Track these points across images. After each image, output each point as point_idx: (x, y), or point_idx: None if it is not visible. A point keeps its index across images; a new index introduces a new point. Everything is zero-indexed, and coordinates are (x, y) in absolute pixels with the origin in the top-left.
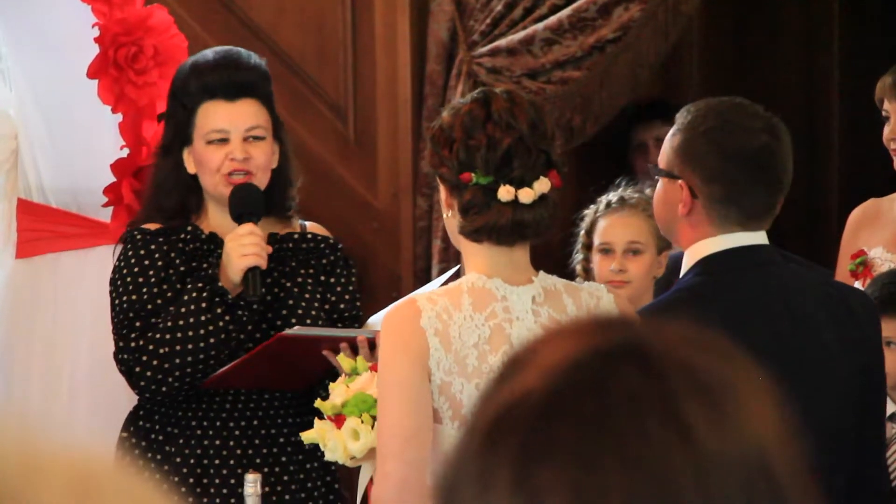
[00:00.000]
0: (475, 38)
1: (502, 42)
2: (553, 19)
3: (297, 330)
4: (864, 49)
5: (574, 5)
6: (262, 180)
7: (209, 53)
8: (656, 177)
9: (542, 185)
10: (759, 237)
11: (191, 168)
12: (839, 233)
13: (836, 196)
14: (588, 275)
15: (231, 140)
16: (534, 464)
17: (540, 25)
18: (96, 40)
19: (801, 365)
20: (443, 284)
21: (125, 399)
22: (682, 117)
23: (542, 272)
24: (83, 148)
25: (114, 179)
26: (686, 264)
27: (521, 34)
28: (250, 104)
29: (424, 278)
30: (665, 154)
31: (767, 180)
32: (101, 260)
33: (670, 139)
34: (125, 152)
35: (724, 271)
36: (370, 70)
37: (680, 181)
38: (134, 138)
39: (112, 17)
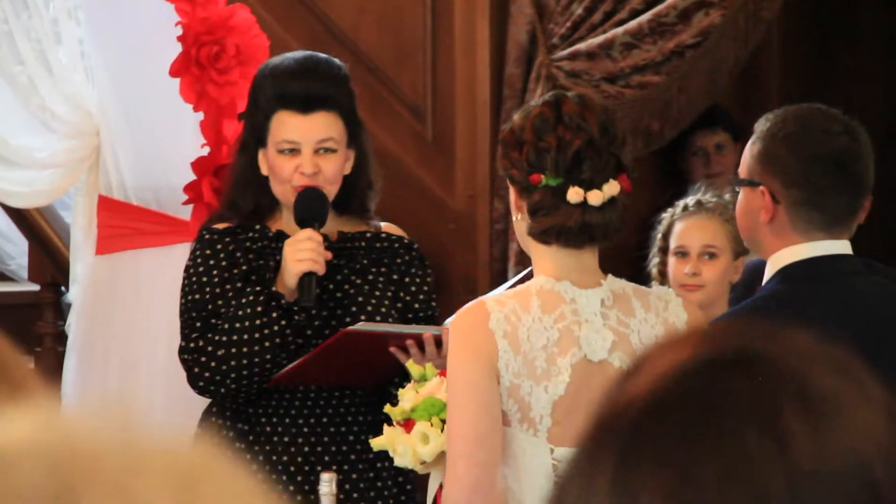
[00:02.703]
0: (555, 41)
1: (582, 46)
2: (633, 23)
3: (361, 325)
4: None
5: (654, 10)
6: (329, 192)
7: (289, 59)
8: (737, 188)
9: (612, 187)
10: (843, 246)
11: (264, 169)
12: None
13: None
14: (664, 278)
15: (302, 152)
16: (632, 468)
17: (620, 29)
18: (179, 39)
19: (884, 377)
20: (513, 286)
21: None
22: (760, 125)
23: (610, 275)
24: (164, 146)
25: (194, 177)
26: (768, 272)
27: (600, 38)
28: (324, 116)
29: (500, 280)
30: (745, 163)
31: (849, 182)
32: (181, 257)
33: (750, 148)
34: (205, 150)
35: (807, 280)
36: (449, 72)
37: (761, 187)
38: (214, 137)
39: (195, 16)
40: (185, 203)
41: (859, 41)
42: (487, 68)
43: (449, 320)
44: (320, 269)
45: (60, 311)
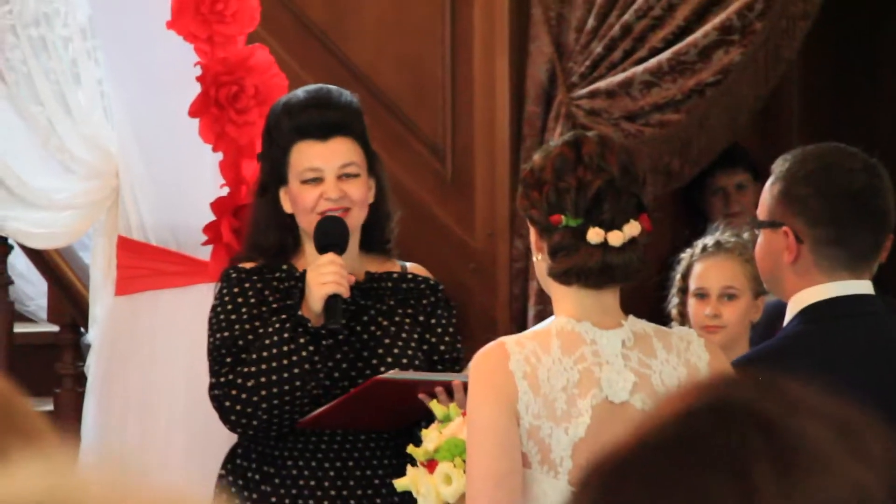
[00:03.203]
0: (574, 79)
1: (601, 84)
2: (652, 62)
3: (392, 374)
4: None
5: (674, 48)
6: (359, 216)
7: (300, 93)
8: (757, 230)
9: (633, 228)
10: (865, 286)
11: (287, 207)
12: None
13: None
14: (683, 319)
15: (325, 179)
16: None
17: (639, 68)
18: (198, 79)
19: None
20: None
21: (222, 437)
22: (779, 166)
23: (631, 316)
24: (183, 186)
25: (213, 218)
26: (790, 313)
27: (620, 76)
28: (343, 142)
29: (521, 320)
30: (765, 204)
31: (872, 218)
32: (200, 298)
33: (769, 189)
34: (225, 191)
35: (829, 320)
36: (468, 111)
37: (784, 227)
38: (234, 177)
39: (214, 56)
40: (205, 244)
41: (880, 69)
42: (507, 107)
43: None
44: (345, 292)
45: (80, 352)
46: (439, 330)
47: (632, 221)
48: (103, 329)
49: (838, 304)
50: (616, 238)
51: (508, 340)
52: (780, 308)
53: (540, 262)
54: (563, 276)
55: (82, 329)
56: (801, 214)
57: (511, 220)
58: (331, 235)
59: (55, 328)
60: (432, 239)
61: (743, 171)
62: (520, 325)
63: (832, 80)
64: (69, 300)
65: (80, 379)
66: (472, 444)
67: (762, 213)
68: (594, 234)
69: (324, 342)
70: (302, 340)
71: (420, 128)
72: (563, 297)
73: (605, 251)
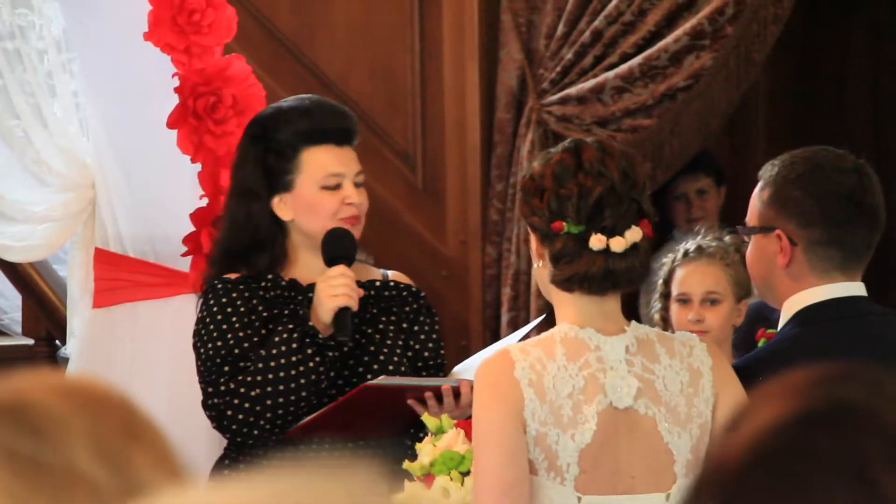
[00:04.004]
0: (545, 86)
1: (572, 90)
2: (623, 67)
3: (381, 380)
4: None
5: (645, 53)
6: (360, 230)
7: (295, 101)
8: (745, 237)
9: (634, 234)
10: (858, 288)
11: (285, 214)
12: None
13: None
14: (666, 324)
15: (344, 184)
16: None
17: (610, 73)
18: (176, 90)
19: None
20: (524, 336)
21: (204, 448)
22: (767, 171)
23: (633, 322)
24: (160, 197)
25: (191, 228)
26: (784, 317)
27: (591, 82)
28: (352, 151)
29: (493, 326)
30: (755, 210)
31: (864, 217)
32: (179, 309)
33: (759, 194)
34: (203, 202)
35: (824, 322)
36: (439, 118)
37: (776, 231)
38: (212, 188)
39: (191, 67)
40: (185, 255)
41: (846, 74)
42: (477, 114)
43: (459, 367)
44: (354, 305)
45: (56, 364)
46: (423, 336)
47: (633, 227)
48: (81, 341)
49: (832, 306)
50: (618, 244)
51: (513, 348)
52: (760, 310)
53: (541, 269)
54: (566, 283)
55: (58, 342)
56: (793, 217)
57: (483, 226)
58: (341, 247)
59: (30, 341)
60: (404, 246)
61: (705, 176)
62: (493, 331)
63: (798, 86)
64: (44, 313)
65: None
66: (479, 452)
67: (752, 219)
68: (596, 241)
69: (329, 353)
70: (309, 351)
71: (391, 136)
72: (566, 303)
73: (608, 257)
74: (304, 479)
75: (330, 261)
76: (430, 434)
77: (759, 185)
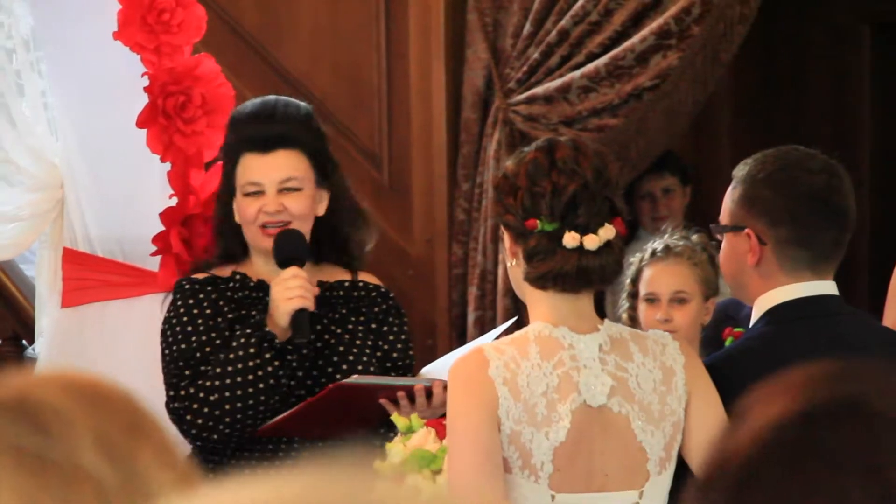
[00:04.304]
0: (511, 85)
1: (539, 90)
2: (590, 67)
3: (354, 379)
4: (894, 95)
5: (611, 53)
6: (302, 228)
7: (248, 105)
8: (718, 235)
9: (608, 231)
10: (829, 287)
11: (237, 217)
12: (869, 274)
13: (867, 239)
14: (634, 323)
15: (266, 192)
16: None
17: (577, 73)
18: (146, 90)
19: None
20: (498, 336)
21: None
22: (739, 171)
23: (607, 320)
24: (129, 196)
25: (159, 228)
26: (755, 315)
27: (557, 82)
28: (285, 155)
29: (460, 325)
30: (727, 208)
31: (834, 218)
32: (148, 309)
33: (731, 193)
34: (171, 201)
35: (794, 320)
36: (405, 117)
37: (746, 230)
38: (182, 187)
39: (161, 66)
40: (154, 254)
41: (808, 73)
42: (444, 113)
43: (429, 367)
44: (310, 305)
45: (23, 365)
46: (391, 337)
47: (606, 225)
48: (50, 341)
49: (803, 305)
50: (592, 242)
51: (487, 347)
52: (727, 310)
53: (514, 267)
54: (540, 281)
55: (24, 342)
56: (762, 216)
57: (449, 225)
58: (290, 249)
59: None
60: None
61: (671, 175)
62: (459, 330)
63: (761, 86)
64: (11, 313)
65: None
66: (454, 450)
67: (724, 217)
68: (570, 239)
69: (289, 356)
70: (268, 356)
71: (357, 135)
72: (539, 302)
73: (582, 255)
74: (319, 477)
75: (282, 263)
76: (400, 434)
77: (732, 184)
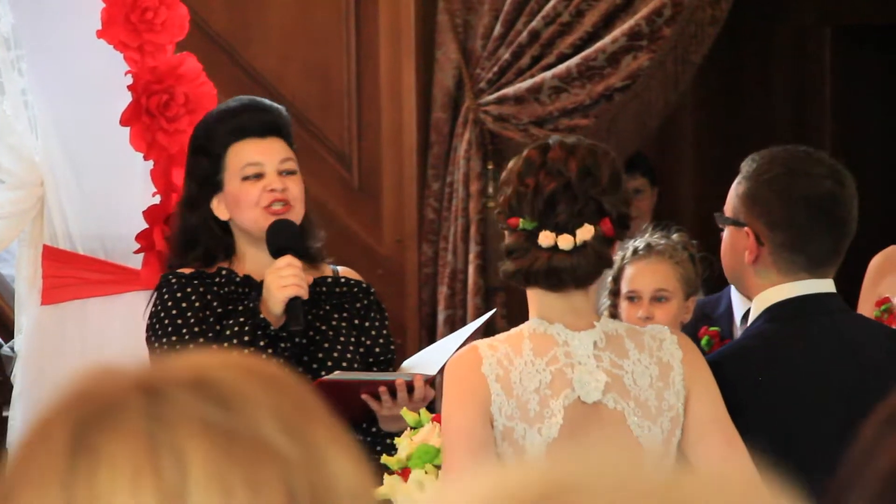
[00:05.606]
0: (482, 86)
1: (509, 90)
2: (561, 67)
3: (335, 375)
4: (856, 97)
5: (582, 53)
6: (299, 213)
7: (232, 102)
8: (722, 226)
9: (585, 232)
10: (827, 285)
11: (223, 214)
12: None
13: None
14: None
15: (266, 173)
16: None
17: (548, 73)
18: (129, 88)
19: (869, 413)
20: (475, 330)
21: None
22: (746, 166)
23: (604, 317)
24: (110, 194)
25: (141, 226)
26: (754, 312)
27: (528, 82)
28: (280, 142)
29: (430, 324)
30: (731, 202)
31: (832, 226)
32: (130, 306)
33: (735, 188)
34: (153, 199)
35: (793, 318)
36: (375, 118)
37: (746, 228)
38: (165, 185)
39: (144, 64)
40: (137, 251)
41: (772, 72)
42: (414, 114)
43: (408, 362)
44: (304, 294)
45: (0, 362)
46: (373, 332)
47: (586, 225)
48: (30, 339)
49: (802, 303)
50: (566, 242)
51: (481, 344)
52: (703, 309)
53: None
54: (512, 278)
55: (1, 340)
56: (761, 217)
57: (419, 225)
58: (284, 238)
59: None
60: (340, 246)
61: (640, 176)
62: (429, 330)
63: (725, 85)
64: None
65: (1, 389)
66: (447, 447)
67: (728, 209)
68: (545, 238)
69: (282, 345)
70: (262, 343)
71: (326, 135)
72: (533, 299)
73: (554, 254)
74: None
75: (275, 252)
76: (408, 428)
77: (738, 177)
